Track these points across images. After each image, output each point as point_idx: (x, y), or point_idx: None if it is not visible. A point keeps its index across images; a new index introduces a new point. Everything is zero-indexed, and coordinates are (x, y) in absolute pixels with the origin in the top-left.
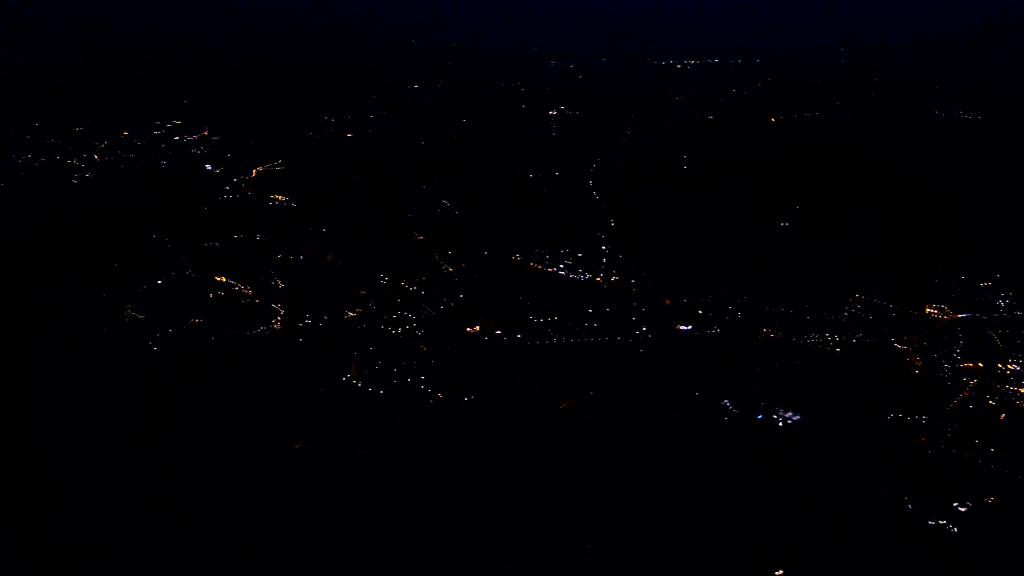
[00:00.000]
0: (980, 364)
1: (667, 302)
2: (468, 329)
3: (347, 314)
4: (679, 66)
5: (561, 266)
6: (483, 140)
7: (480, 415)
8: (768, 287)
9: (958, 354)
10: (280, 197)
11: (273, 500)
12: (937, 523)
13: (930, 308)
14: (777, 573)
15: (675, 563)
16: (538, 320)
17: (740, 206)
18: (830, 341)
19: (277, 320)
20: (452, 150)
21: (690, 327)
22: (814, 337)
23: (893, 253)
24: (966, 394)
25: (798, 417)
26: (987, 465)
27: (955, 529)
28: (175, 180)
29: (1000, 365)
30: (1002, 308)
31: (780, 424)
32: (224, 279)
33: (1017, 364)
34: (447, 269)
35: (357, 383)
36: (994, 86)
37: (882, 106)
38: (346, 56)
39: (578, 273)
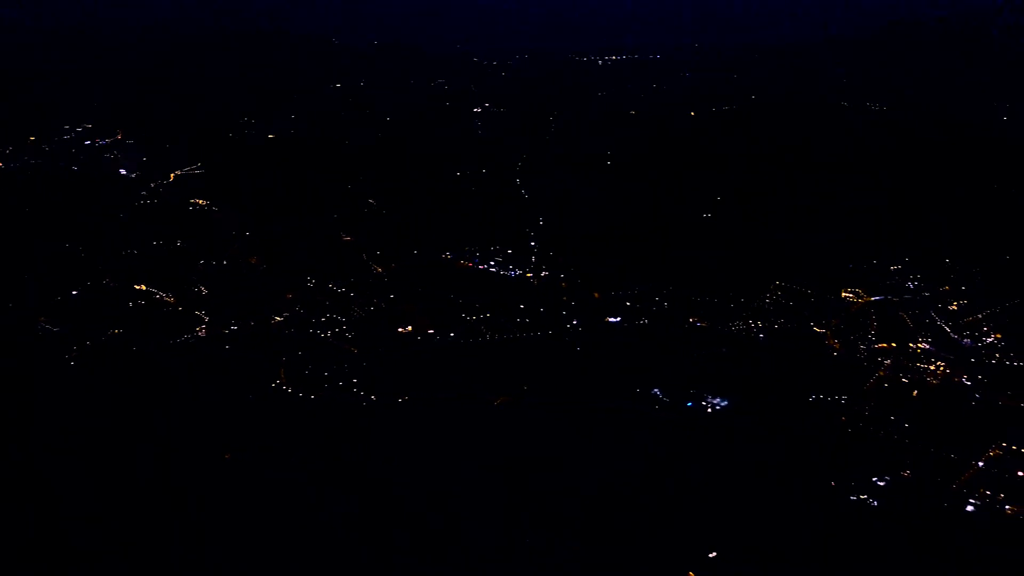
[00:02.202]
0: (893, 344)
1: (596, 295)
2: (400, 329)
3: (274, 319)
4: (600, 62)
5: (492, 263)
6: (408, 138)
7: (419, 416)
8: (693, 277)
9: (873, 335)
10: (200, 201)
11: (220, 510)
12: (858, 498)
13: (846, 292)
14: (711, 555)
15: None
16: (471, 318)
17: (663, 199)
18: (753, 327)
19: (202, 327)
20: (376, 149)
21: (619, 319)
22: (738, 324)
23: (810, 239)
24: (881, 374)
25: (726, 403)
26: (903, 440)
27: (875, 503)
28: (87, 186)
29: (911, 345)
30: (911, 290)
31: (709, 410)
32: (144, 287)
33: (927, 343)
34: (376, 269)
35: (287, 389)
36: (900, 79)
37: (795, 99)
38: (264, 55)
39: (508, 270)
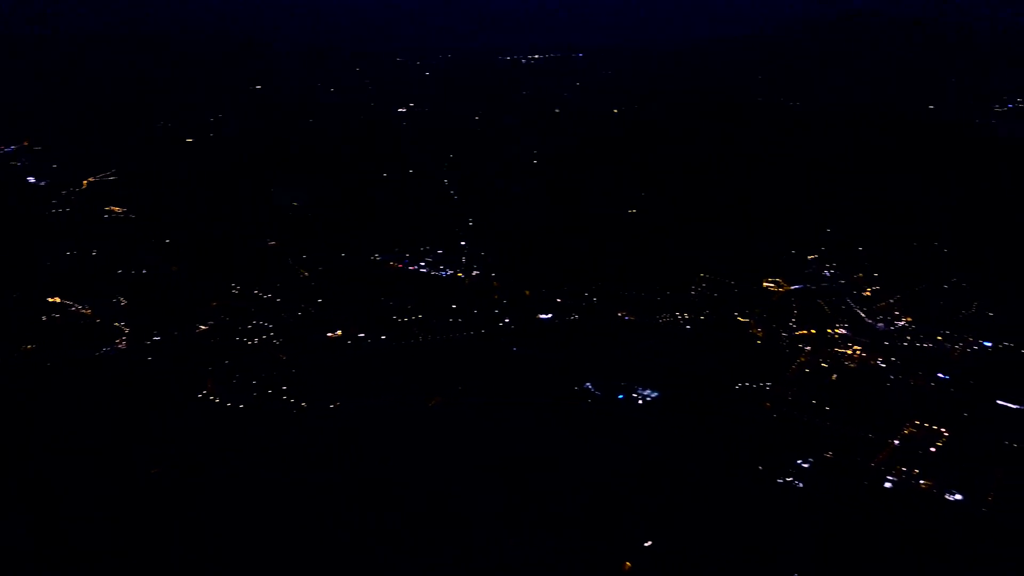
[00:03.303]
0: (813, 331)
1: (527, 293)
2: (329, 334)
3: (198, 328)
4: (523, 61)
5: (422, 264)
6: (332, 139)
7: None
8: (621, 272)
9: (793, 323)
10: (116, 208)
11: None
12: (785, 481)
13: (767, 282)
14: (646, 544)
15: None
16: (402, 319)
17: (590, 196)
18: (680, 319)
19: (122, 340)
20: (300, 150)
21: (550, 315)
22: (665, 316)
23: (732, 232)
24: (802, 359)
25: (656, 394)
26: (824, 423)
27: (801, 484)
28: None
29: (830, 330)
30: (828, 278)
31: (640, 402)
32: (58, 300)
33: (844, 328)
34: (302, 274)
35: (215, 399)
36: (810, 75)
37: (715, 96)
38: (182, 56)
39: (439, 270)
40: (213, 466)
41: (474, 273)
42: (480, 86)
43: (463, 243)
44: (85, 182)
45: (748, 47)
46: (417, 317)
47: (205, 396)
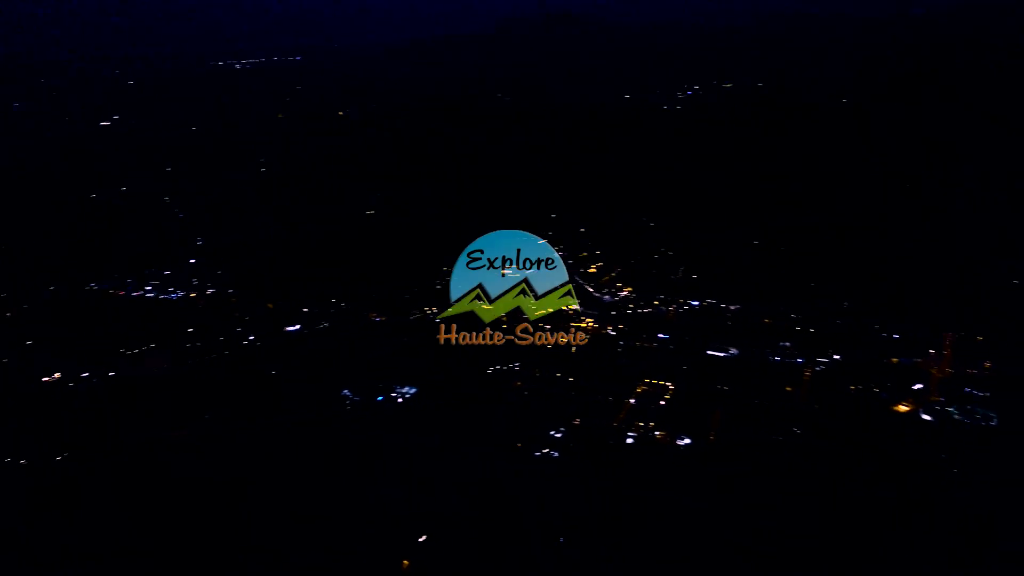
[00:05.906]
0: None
1: (269, 306)
2: (45, 379)
3: None
4: (237, 66)
5: (148, 287)
6: (25, 160)
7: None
8: (366, 272)
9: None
10: None
11: None
12: (542, 453)
13: None
14: (420, 539)
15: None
16: (130, 351)
17: (325, 199)
18: (429, 313)
19: None
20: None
21: (299, 326)
22: (415, 313)
23: (462, 222)
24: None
25: (414, 390)
26: (569, 392)
27: (556, 454)
28: None
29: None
30: None
31: (400, 400)
32: None
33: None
34: (4, 314)
35: None
36: (527, 73)
37: (440, 94)
38: None
39: (168, 293)
40: None
41: (208, 292)
42: (192, 95)
43: (192, 261)
44: None
45: (469, 46)
46: (149, 347)
47: None
